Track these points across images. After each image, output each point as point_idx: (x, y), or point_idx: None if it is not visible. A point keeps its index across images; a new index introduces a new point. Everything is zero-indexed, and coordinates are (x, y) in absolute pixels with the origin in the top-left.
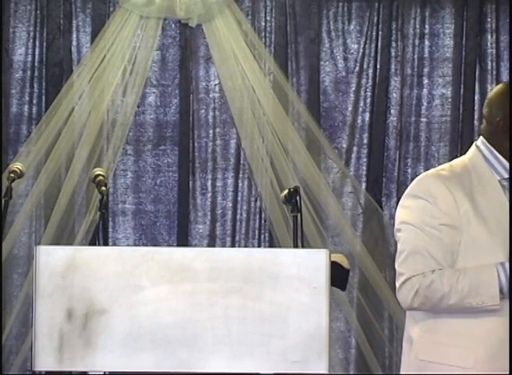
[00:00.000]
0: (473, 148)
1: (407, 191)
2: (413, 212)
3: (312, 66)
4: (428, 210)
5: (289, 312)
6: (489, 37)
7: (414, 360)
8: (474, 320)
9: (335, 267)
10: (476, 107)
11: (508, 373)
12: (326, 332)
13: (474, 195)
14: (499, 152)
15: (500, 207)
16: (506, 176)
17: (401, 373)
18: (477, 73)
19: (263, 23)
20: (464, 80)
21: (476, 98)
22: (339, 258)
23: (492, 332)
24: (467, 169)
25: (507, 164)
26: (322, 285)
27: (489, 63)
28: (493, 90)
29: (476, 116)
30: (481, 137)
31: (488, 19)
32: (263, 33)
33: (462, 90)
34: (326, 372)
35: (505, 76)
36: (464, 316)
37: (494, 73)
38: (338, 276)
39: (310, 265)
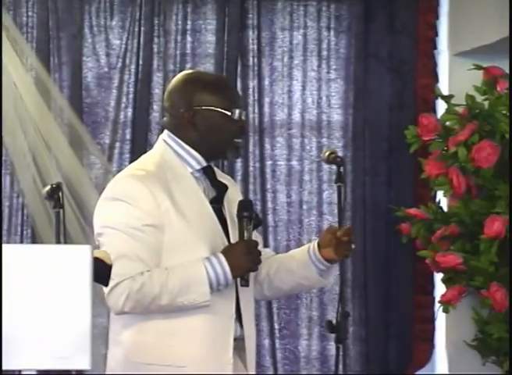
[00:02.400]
0: (161, 143)
1: (103, 195)
2: (114, 215)
3: (74, 62)
4: (129, 212)
5: (53, 308)
6: (251, 33)
7: (125, 363)
8: (185, 319)
9: (97, 263)
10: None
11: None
12: (89, 328)
13: (172, 191)
14: (188, 144)
15: (197, 200)
16: (198, 167)
17: None
18: (238, 68)
19: (24, 19)
20: (225, 76)
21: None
22: (102, 254)
23: (204, 329)
24: (160, 166)
25: (197, 155)
26: (85, 281)
27: (251, 59)
28: (171, 82)
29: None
30: (166, 131)
31: (250, 15)
32: (25, 29)
33: None
34: (89, 367)
35: (266, 72)
36: (175, 315)
37: (255, 68)
38: (101, 271)
39: (73, 261)
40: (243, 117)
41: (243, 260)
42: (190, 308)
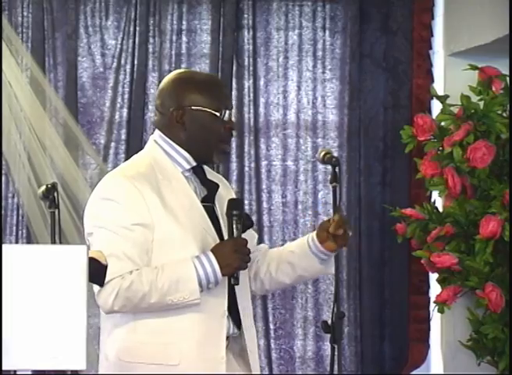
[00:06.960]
0: (152, 143)
1: (93, 195)
2: (103, 214)
3: (70, 62)
4: (118, 211)
5: (48, 308)
6: (246, 33)
7: (116, 362)
8: (176, 317)
9: (93, 263)
10: (233, 103)
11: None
12: (84, 328)
13: (162, 191)
14: (177, 144)
15: (188, 199)
16: (188, 167)
17: None
18: (234, 69)
19: (20, 18)
20: (221, 76)
21: (233, 93)
22: (97, 254)
23: (195, 327)
24: (150, 166)
25: (187, 155)
26: (81, 281)
27: (246, 59)
28: (163, 80)
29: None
30: (157, 131)
31: (245, 16)
32: (20, 29)
33: None
34: (84, 367)
35: (261, 72)
36: (165, 313)
37: (251, 69)
38: (96, 272)
39: (68, 261)
40: (232, 118)
41: (232, 258)
42: (179, 306)
